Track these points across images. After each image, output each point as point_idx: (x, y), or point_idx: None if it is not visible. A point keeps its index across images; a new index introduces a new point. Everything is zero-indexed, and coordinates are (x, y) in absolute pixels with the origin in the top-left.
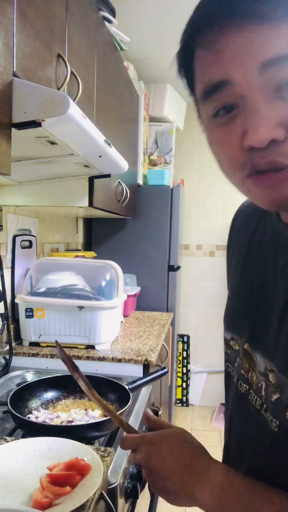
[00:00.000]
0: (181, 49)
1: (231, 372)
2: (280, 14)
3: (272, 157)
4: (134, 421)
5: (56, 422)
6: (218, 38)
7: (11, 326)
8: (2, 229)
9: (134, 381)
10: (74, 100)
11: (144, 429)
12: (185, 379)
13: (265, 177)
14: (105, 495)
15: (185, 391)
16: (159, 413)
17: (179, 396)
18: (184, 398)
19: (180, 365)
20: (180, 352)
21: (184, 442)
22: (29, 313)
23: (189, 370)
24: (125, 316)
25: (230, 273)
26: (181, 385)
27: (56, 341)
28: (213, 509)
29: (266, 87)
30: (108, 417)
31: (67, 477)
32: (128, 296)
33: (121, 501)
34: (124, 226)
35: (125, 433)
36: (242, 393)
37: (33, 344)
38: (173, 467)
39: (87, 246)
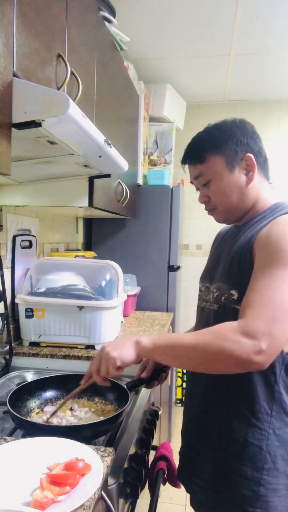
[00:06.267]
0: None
1: (200, 304)
2: (188, 162)
3: None
4: (134, 421)
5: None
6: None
7: (11, 326)
8: (2, 229)
9: (134, 381)
10: (74, 100)
11: (142, 432)
12: (185, 379)
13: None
14: (105, 495)
15: (185, 391)
16: (159, 413)
17: (179, 396)
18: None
19: None
20: None
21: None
22: (29, 313)
23: None
24: (125, 316)
25: (208, 260)
26: (181, 385)
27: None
28: (148, 345)
29: (196, 184)
30: (108, 418)
31: (67, 477)
32: (128, 296)
33: (121, 501)
34: (124, 226)
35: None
36: (202, 307)
37: (33, 344)
38: (121, 340)
39: (87, 246)
